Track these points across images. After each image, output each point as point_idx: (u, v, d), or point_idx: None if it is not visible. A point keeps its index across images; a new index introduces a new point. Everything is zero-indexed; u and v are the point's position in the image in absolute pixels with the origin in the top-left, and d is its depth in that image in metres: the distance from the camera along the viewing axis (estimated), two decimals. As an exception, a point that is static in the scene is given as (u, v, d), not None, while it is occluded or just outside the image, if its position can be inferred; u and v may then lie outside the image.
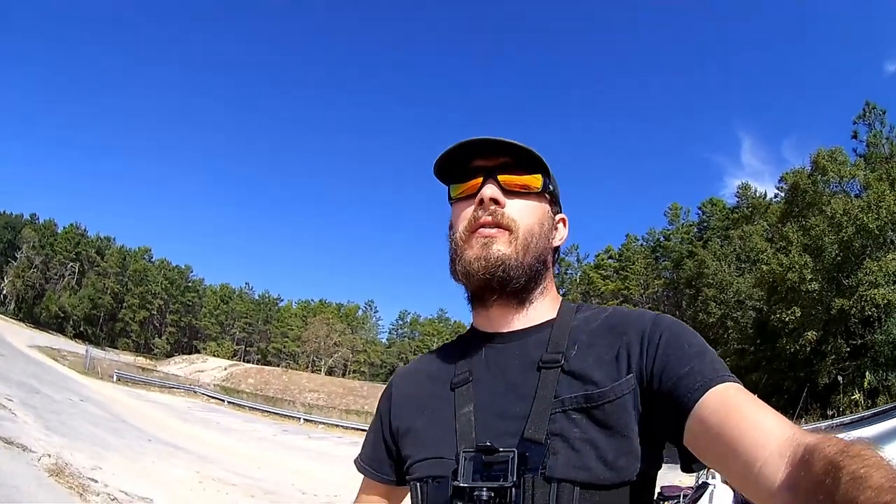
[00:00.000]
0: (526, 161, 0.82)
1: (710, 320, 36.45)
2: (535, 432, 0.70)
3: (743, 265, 38.35)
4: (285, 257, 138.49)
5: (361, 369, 72.59)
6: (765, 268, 29.60)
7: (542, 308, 0.84)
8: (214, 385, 35.49)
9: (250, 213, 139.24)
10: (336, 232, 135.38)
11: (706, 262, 39.66)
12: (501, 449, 0.68)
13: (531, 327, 0.82)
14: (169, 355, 63.81)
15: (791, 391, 23.46)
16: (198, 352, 64.78)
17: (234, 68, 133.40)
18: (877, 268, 18.71)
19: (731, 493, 4.66)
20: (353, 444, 19.93)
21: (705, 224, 48.24)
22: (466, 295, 0.86)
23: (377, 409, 0.94)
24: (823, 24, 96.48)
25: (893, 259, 18.51)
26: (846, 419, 8.26)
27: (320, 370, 62.28)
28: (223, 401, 29.55)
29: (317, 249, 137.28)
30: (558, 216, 0.90)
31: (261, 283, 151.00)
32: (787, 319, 25.29)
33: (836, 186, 24.69)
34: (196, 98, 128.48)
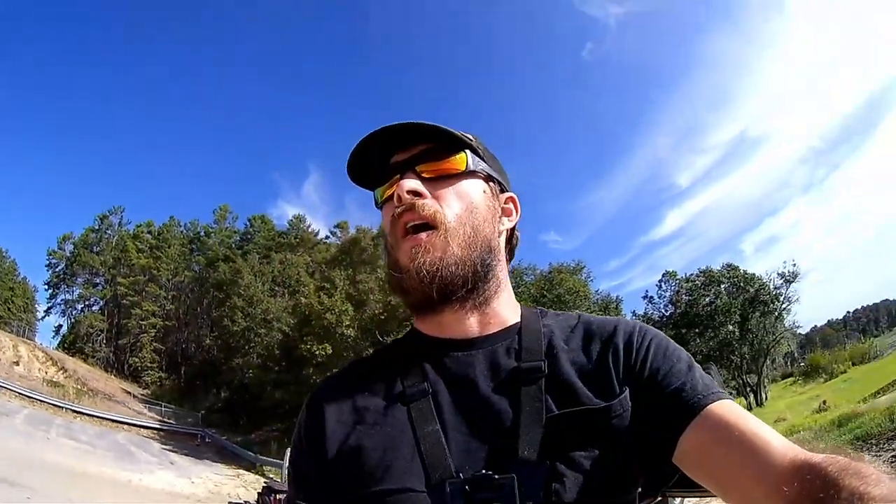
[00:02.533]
0: (448, 143, 0.74)
1: (234, 328, 36.74)
2: (532, 453, 0.61)
3: (278, 288, 41.16)
4: None
5: None
6: (303, 300, 32.82)
7: (504, 309, 0.75)
8: None
9: None
10: None
11: (242, 273, 40.11)
12: (497, 476, 0.58)
13: (496, 333, 0.74)
14: None
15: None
16: None
17: None
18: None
19: None
20: None
21: (250, 236, 49.16)
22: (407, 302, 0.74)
23: (300, 433, 0.74)
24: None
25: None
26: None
27: None
28: None
29: None
30: (505, 195, 0.81)
31: None
32: (316, 352, 28.98)
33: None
34: None
